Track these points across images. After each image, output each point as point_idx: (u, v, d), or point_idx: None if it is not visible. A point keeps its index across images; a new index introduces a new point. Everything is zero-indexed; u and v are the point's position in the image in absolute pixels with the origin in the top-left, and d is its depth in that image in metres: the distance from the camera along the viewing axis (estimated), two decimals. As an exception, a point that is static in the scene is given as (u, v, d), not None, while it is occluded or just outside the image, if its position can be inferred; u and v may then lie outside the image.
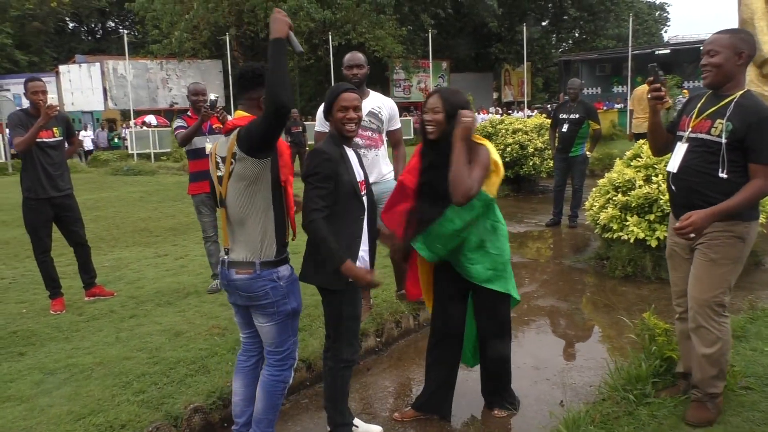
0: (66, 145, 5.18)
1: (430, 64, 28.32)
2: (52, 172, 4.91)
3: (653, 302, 4.72)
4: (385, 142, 4.30)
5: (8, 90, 28.45)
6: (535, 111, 24.74)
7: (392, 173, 4.30)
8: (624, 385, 3.12)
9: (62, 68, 32.76)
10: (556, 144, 7.88)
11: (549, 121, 9.07)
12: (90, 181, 14.80)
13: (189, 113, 5.31)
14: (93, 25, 46.03)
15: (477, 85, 34.63)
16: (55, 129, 4.94)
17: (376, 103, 4.23)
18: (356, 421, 3.08)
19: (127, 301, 5.03)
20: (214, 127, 5.18)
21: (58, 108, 4.86)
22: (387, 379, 3.82)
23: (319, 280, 2.82)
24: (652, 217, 5.37)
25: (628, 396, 3.03)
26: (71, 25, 44.12)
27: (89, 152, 22.62)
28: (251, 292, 2.57)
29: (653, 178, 5.50)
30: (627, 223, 5.49)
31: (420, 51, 31.07)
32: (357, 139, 4.14)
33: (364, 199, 2.85)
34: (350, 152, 2.87)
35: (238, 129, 2.51)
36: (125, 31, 27.06)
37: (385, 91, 33.29)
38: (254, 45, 32.42)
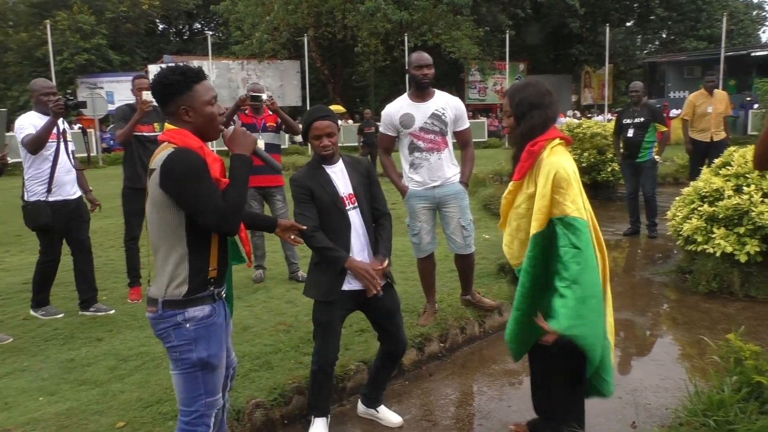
0: None
1: (507, 66, 27.79)
2: (148, 164, 5.09)
3: (740, 321, 4.41)
4: (450, 144, 4.16)
5: (102, 87, 30.19)
6: (616, 115, 23.84)
7: (457, 176, 4.16)
8: (704, 410, 2.90)
9: (151, 68, 34.34)
10: (622, 150, 7.59)
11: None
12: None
13: (246, 112, 5.54)
14: (180, 27, 48.08)
15: (555, 87, 33.65)
16: (155, 124, 5.16)
17: (440, 104, 4.09)
18: (380, 407, 3.28)
19: (199, 294, 5.17)
20: (267, 125, 5.49)
21: (152, 102, 4.96)
22: (449, 387, 3.74)
23: (312, 295, 2.98)
24: (742, 230, 5.01)
25: (708, 422, 2.81)
26: (161, 26, 46.24)
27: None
28: (156, 333, 2.21)
29: (744, 188, 5.13)
30: (713, 236, 5.15)
31: (497, 52, 30.60)
32: (419, 143, 4.08)
33: (352, 212, 2.94)
34: (333, 169, 2.96)
35: (167, 157, 2.08)
36: (210, 33, 28.09)
37: (460, 93, 33.01)
38: (331, 46, 32.96)
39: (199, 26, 47.64)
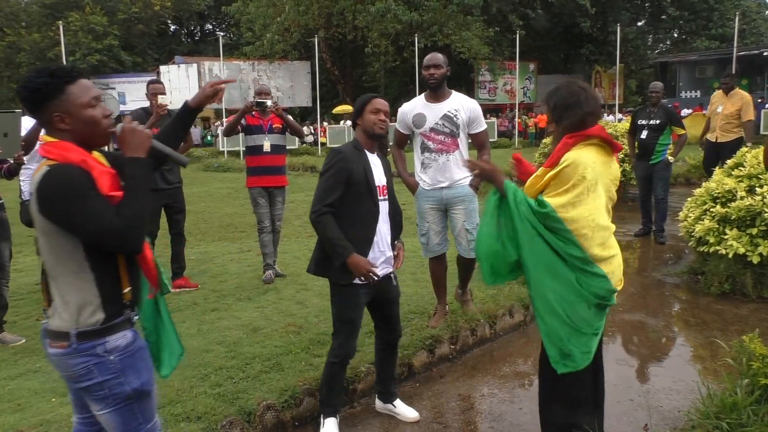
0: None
1: (517, 66, 27.70)
2: (163, 166, 5.23)
3: (753, 323, 4.38)
4: (461, 146, 4.12)
5: (113, 88, 30.43)
6: (627, 115, 23.70)
7: (467, 179, 4.13)
8: (717, 413, 2.88)
9: (162, 68, 34.58)
10: (635, 151, 7.52)
11: None
12: (183, 176, 15.51)
13: (254, 114, 5.65)
14: (192, 28, 48.36)
15: (566, 87, 33.49)
16: None
17: (454, 106, 4.08)
18: (396, 401, 3.35)
19: (210, 295, 5.21)
20: (273, 126, 5.61)
21: (167, 106, 5.18)
22: (460, 388, 3.73)
23: (322, 272, 2.99)
24: (754, 231, 4.97)
25: (721, 425, 2.79)
26: (172, 27, 46.55)
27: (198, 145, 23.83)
28: (68, 372, 1.90)
29: (757, 189, 5.09)
30: (726, 237, 5.11)
31: (507, 52, 30.50)
32: (429, 143, 4.09)
33: (383, 203, 3.01)
34: (374, 158, 3.04)
35: (41, 179, 1.80)
36: (221, 34, 28.21)
37: (470, 93, 32.92)
38: (341, 47, 33.02)
39: (211, 27, 47.90)
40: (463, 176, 4.13)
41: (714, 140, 8.05)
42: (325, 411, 3.07)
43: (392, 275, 3.15)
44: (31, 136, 4.58)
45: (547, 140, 10.44)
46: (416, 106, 4.18)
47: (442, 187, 4.13)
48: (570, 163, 2.46)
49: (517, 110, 27.13)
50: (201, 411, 3.05)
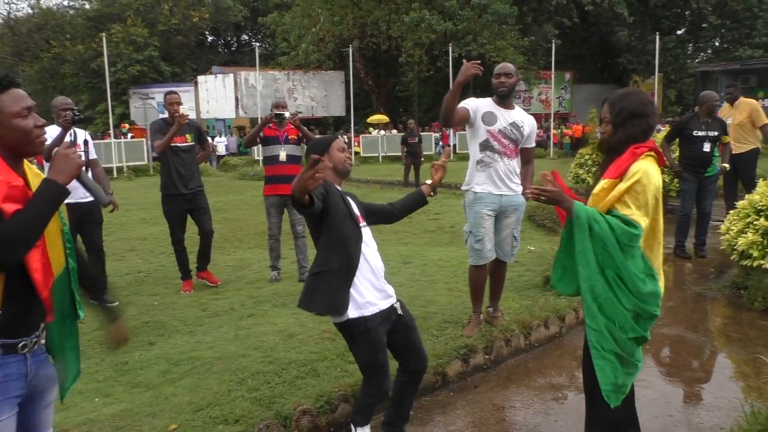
0: (199, 150, 5.90)
1: (552, 75, 27.47)
2: (183, 173, 5.64)
3: (799, 340, 4.25)
4: (516, 156, 4.25)
5: (153, 98, 31.16)
6: (666, 125, 23.26)
7: (519, 188, 4.25)
8: (761, 431, 2.81)
9: (200, 78, 35.32)
10: (676, 163, 7.08)
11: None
12: (219, 185, 15.80)
13: (271, 125, 5.95)
14: (229, 38, 49.28)
15: (602, 97, 32.75)
16: (187, 135, 5.66)
17: (521, 117, 4.24)
18: None
19: (247, 301, 5.29)
20: (289, 137, 5.93)
21: (188, 116, 5.59)
22: (495, 399, 3.71)
23: (313, 309, 2.86)
24: (800, 245, 4.83)
25: (766, 444, 2.73)
26: (210, 38, 47.52)
27: (221, 157, 24.22)
28: None
29: (803, 201, 4.95)
30: (770, 251, 4.98)
31: (542, 62, 30.30)
32: (494, 143, 4.16)
33: (365, 229, 2.91)
34: (345, 193, 2.97)
35: None
36: (257, 44, 28.70)
37: (504, 102, 32.66)
38: (375, 56, 33.23)
39: (247, 38, 48.72)
40: (516, 184, 4.24)
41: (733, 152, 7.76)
42: (357, 419, 3.01)
43: (396, 305, 2.93)
44: (56, 145, 4.78)
45: (584, 150, 10.30)
46: (487, 105, 4.23)
47: (501, 194, 4.17)
48: (642, 174, 2.41)
49: (552, 120, 26.87)
50: (238, 414, 3.10)
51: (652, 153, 2.51)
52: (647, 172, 2.43)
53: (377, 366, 2.83)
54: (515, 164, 4.24)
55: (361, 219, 2.94)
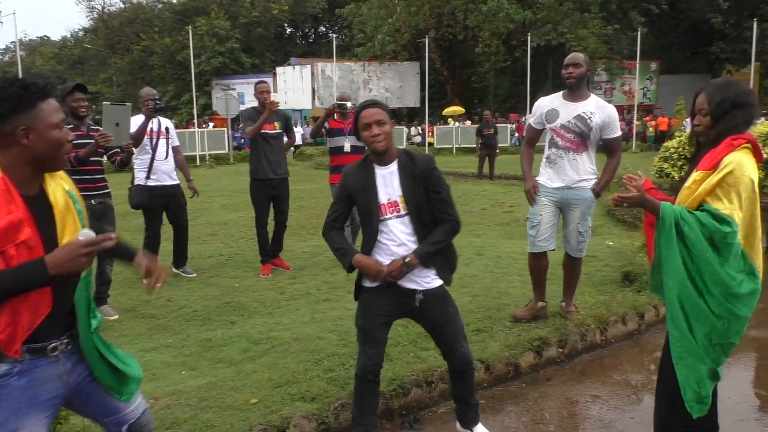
0: (285, 138, 6.16)
1: (637, 65, 26.34)
2: (272, 159, 5.90)
3: None
4: (590, 148, 4.14)
5: (234, 89, 32.27)
6: (762, 118, 21.85)
7: (590, 182, 4.13)
8: None
9: (279, 70, 36.23)
10: None
11: None
12: (295, 174, 16.14)
13: (336, 117, 6.16)
14: (307, 30, 50.23)
15: (691, 88, 30.87)
16: (276, 123, 5.92)
17: (590, 107, 4.08)
18: (477, 427, 2.99)
19: (322, 286, 5.44)
20: (353, 128, 5.85)
21: (278, 103, 5.82)
22: (568, 392, 3.67)
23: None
24: None
25: None
26: (288, 30, 48.59)
27: (297, 147, 24.82)
28: None
29: None
30: None
31: (626, 51, 29.13)
32: (557, 139, 4.11)
33: (390, 222, 2.76)
34: (384, 170, 2.78)
35: None
36: (334, 35, 29.16)
37: (584, 93, 31.62)
38: (451, 47, 32.98)
39: (324, 29, 49.47)
40: (585, 178, 4.12)
41: None
42: (356, 428, 2.88)
43: (417, 295, 2.77)
44: (140, 131, 5.31)
45: (670, 144, 9.85)
46: (552, 102, 4.24)
47: (562, 188, 4.13)
48: (736, 165, 2.31)
49: (635, 112, 25.82)
50: (315, 392, 3.21)
51: (749, 145, 2.39)
52: (741, 163, 2.32)
53: (359, 327, 2.84)
54: (585, 158, 4.11)
55: (386, 209, 2.76)
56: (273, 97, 5.87)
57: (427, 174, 2.75)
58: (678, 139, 9.46)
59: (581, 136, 4.07)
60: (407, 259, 2.70)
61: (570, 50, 26.24)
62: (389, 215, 2.76)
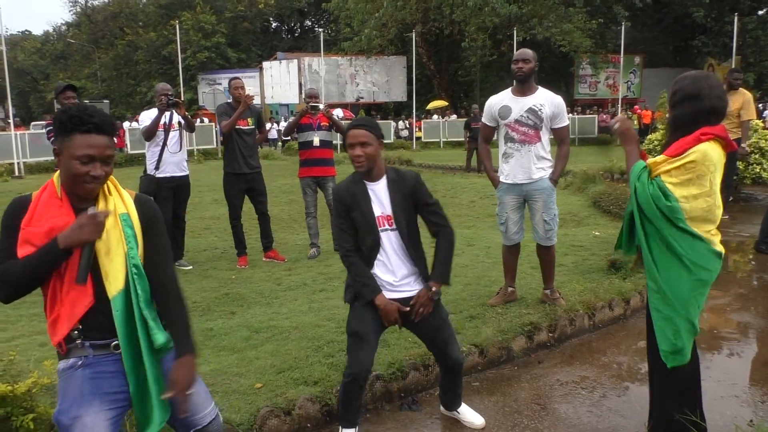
0: (257, 133, 6.42)
1: (621, 59, 26.65)
2: (246, 153, 6.15)
3: None
4: (543, 139, 4.32)
5: (220, 84, 32.15)
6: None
7: (547, 172, 4.35)
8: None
9: (265, 64, 36.14)
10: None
11: (761, 122, 7.84)
12: (284, 168, 16.23)
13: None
14: (292, 24, 50.09)
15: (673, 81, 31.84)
16: (249, 119, 6.19)
17: (539, 100, 4.30)
18: (461, 409, 3.21)
19: (318, 277, 5.57)
20: (321, 124, 6.36)
21: (253, 97, 6.10)
22: (558, 374, 3.83)
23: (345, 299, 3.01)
24: None
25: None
26: (274, 24, 48.42)
27: (285, 141, 24.81)
28: None
29: None
30: None
31: (611, 45, 29.44)
32: (513, 134, 4.33)
33: (384, 234, 2.88)
34: (374, 186, 2.90)
35: None
36: (320, 30, 29.17)
37: (569, 87, 32.00)
38: (438, 41, 33.09)
39: (310, 24, 49.37)
40: (541, 168, 4.34)
41: None
42: (342, 423, 2.98)
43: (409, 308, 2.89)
44: (154, 124, 5.80)
45: (653, 136, 10.09)
46: (503, 99, 4.44)
47: (522, 183, 4.34)
48: (700, 155, 2.47)
49: (619, 105, 26.14)
50: (317, 377, 3.34)
51: (718, 139, 2.52)
52: (705, 152, 2.48)
53: (350, 333, 2.90)
54: (540, 148, 4.32)
55: (381, 221, 2.88)
56: (249, 91, 6.15)
57: (417, 188, 2.91)
58: (661, 131, 9.67)
59: (535, 128, 4.29)
60: (433, 289, 2.86)
61: (555, 44, 26.54)
62: (386, 227, 2.90)
